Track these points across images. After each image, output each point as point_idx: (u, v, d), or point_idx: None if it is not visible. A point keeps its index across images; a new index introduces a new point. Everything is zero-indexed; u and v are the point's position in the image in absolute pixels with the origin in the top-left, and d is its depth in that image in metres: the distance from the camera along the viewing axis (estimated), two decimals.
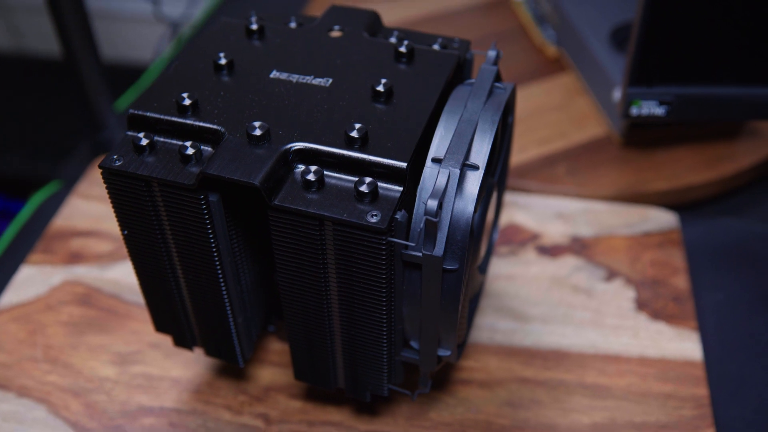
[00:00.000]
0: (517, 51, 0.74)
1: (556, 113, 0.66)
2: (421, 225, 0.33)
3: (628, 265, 0.53)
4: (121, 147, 0.35)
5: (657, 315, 0.50)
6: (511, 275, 0.53)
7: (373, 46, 0.40)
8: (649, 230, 0.56)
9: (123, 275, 0.53)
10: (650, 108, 0.47)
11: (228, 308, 0.39)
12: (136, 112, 0.36)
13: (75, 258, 0.54)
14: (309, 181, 0.33)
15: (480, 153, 0.34)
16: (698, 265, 0.56)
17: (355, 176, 0.33)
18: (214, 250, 0.36)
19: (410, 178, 0.33)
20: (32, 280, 0.53)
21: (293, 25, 0.43)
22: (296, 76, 0.38)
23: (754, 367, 0.50)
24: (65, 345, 0.48)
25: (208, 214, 0.34)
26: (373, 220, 0.31)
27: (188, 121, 0.35)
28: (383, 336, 0.36)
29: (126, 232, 0.37)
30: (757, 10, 0.43)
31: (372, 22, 0.42)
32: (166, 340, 0.48)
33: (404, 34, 0.42)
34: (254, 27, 0.41)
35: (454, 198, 0.33)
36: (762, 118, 0.52)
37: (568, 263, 0.54)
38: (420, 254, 0.32)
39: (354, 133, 0.33)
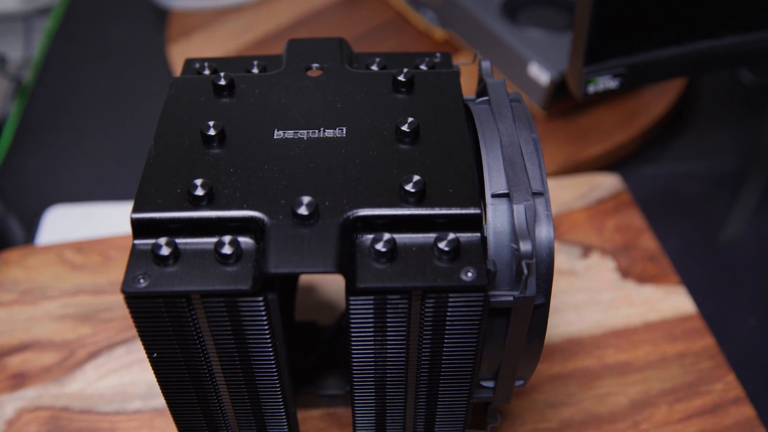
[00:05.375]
0: (404, 40, 0.73)
1: None
2: (508, 268, 0.31)
3: (596, 237, 0.55)
4: (138, 262, 0.29)
5: (642, 279, 0.52)
6: None
7: (366, 80, 0.36)
8: (602, 197, 0.57)
9: (87, 384, 0.46)
10: (605, 83, 0.48)
11: (281, 402, 0.34)
12: (140, 216, 0.30)
13: (20, 380, 0.46)
14: (380, 251, 0.29)
15: (536, 177, 0.32)
16: None
17: (422, 233, 0.30)
18: (271, 349, 0.31)
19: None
20: None
21: (256, 70, 0.38)
22: (304, 132, 0.33)
23: (730, 303, 0.53)
24: None
25: (266, 315, 0.30)
26: (469, 277, 0.29)
27: (213, 214, 0.30)
28: (468, 387, 0.33)
29: (155, 355, 0.31)
30: None
31: (344, 50, 0.39)
32: None
33: (383, 58, 0.39)
34: (222, 82, 0.35)
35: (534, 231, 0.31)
36: (706, 70, 0.55)
37: None
38: (512, 298, 0.30)
39: (410, 187, 0.30)
